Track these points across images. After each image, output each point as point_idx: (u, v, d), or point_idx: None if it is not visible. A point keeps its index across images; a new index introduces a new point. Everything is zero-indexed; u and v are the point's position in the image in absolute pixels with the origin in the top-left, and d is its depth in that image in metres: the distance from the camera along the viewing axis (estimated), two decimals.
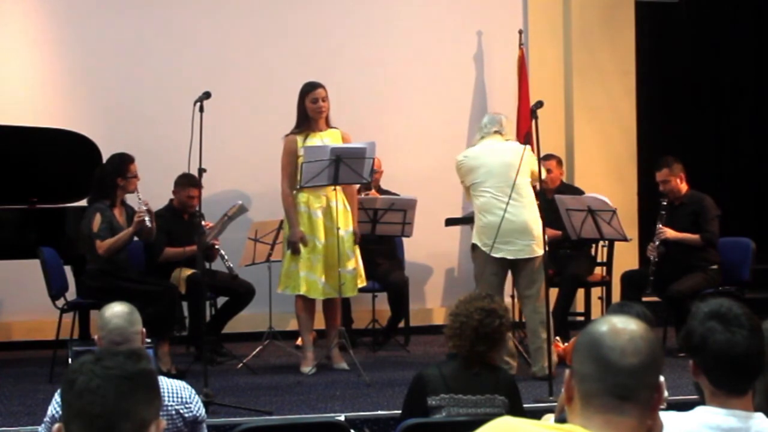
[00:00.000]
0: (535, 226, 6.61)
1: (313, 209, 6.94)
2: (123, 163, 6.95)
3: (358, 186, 7.37)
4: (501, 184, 6.58)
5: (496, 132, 6.82)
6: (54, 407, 3.68)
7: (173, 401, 3.63)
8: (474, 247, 6.78)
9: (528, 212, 6.64)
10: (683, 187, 7.65)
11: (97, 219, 6.82)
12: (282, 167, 6.99)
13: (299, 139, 6.96)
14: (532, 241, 6.63)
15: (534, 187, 6.83)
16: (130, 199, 7.06)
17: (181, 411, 3.64)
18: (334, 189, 6.90)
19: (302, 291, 6.90)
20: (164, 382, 3.61)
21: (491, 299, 4.19)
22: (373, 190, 7.88)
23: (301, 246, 6.88)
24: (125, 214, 6.99)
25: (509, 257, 6.64)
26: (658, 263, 7.44)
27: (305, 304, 7.00)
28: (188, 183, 7.26)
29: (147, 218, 6.77)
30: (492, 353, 4.12)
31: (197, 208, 6.75)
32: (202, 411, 3.75)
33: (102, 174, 7.00)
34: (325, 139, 6.96)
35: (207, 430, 3.80)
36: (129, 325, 3.61)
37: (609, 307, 5.59)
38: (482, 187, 6.67)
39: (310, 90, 7.01)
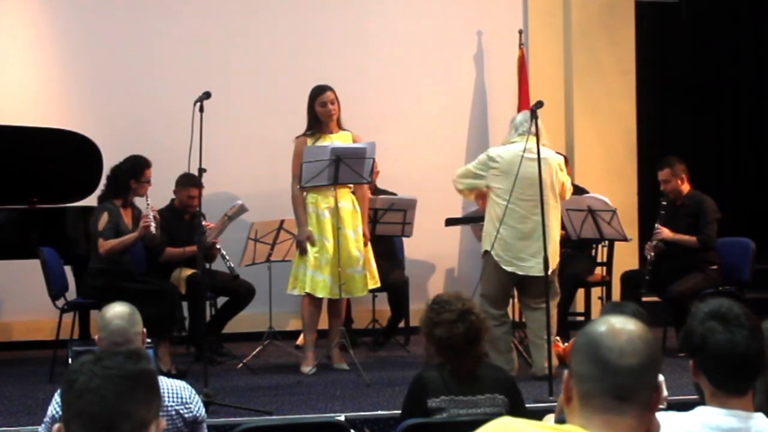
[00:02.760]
0: (551, 245, 6.42)
1: (320, 209, 6.95)
2: (138, 165, 6.94)
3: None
4: (526, 197, 6.41)
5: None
6: (54, 407, 3.68)
7: (173, 401, 3.63)
8: (485, 252, 6.64)
9: (550, 231, 6.41)
10: (684, 187, 7.63)
11: (104, 218, 6.81)
12: (292, 168, 6.99)
13: (309, 141, 6.97)
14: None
15: (562, 197, 6.72)
16: (139, 203, 7.05)
17: (181, 411, 3.64)
18: (334, 189, 6.91)
19: (308, 289, 6.91)
20: (164, 382, 3.60)
21: (449, 302, 4.02)
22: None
23: (309, 246, 6.90)
24: (132, 216, 6.99)
25: (519, 273, 6.54)
26: (654, 262, 7.44)
27: (312, 303, 7.01)
28: (189, 183, 7.26)
29: (153, 225, 6.76)
30: (478, 347, 4.05)
31: (198, 208, 6.76)
32: (202, 411, 3.75)
33: (116, 173, 7.00)
34: (335, 141, 6.96)
35: (207, 430, 3.80)
36: (130, 326, 3.61)
37: (603, 307, 5.57)
38: (505, 196, 6.43)
39: (319, 93, 7.01)
